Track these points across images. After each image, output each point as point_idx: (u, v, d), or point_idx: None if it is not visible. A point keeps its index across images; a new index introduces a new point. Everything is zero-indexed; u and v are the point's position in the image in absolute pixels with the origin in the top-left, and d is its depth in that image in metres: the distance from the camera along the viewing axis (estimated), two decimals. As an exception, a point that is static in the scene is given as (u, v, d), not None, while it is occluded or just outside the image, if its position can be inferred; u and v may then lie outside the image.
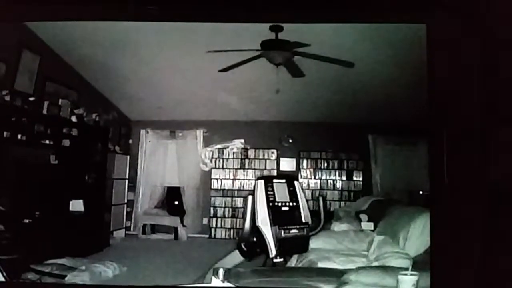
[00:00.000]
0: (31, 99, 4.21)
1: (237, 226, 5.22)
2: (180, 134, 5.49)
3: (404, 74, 3.83)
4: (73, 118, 4.69)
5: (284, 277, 3.31)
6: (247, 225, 3.81)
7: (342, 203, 5.21)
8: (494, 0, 2.54)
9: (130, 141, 5.54)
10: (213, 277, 2.96)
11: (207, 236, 5.32)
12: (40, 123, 4.31)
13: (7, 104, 3.92)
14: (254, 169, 5.34)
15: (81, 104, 4.77)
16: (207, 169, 5.42)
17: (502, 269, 2.41)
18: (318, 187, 5.25)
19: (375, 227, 4.32)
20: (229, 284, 2.94)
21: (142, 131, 5.51)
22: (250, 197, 3.83)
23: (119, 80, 4.84)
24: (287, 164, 5.34)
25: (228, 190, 5.35)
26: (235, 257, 3.77)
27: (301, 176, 5.25)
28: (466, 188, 2.47)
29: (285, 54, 4.07)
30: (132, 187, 5.44)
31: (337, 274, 3.17)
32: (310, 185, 5.25)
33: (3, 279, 3.10)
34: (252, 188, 3.92)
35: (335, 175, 5.27)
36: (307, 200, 4.01)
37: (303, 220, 3.87)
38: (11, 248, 3.60)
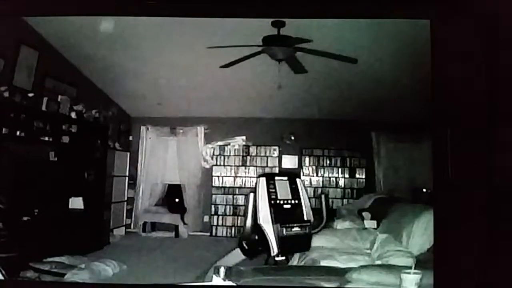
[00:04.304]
0: (30, 95, 4.19)
1: (238, 224, 5.21)
2: (181, 131, 5.47)
3: (408, 71, 3.80)
4: (73, 115, 4.67)
5: (286, 275, 3.28)
6: (249, 223, 3.79)
7: (345, 201, 5.19)
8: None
9: (130, 138, 5.52)
10: (214, 276, 2.95)
11: (208, 234, 5.31)
12: (39, 120, 4.28)
13: (6, 100, 3.90)
14: (256, 166, 5.32)
15: (81, 101, 4.75)
16: (208, 166, 5.40)
17: (505, 267, 2.39)
18: (321, 185, 5.23)
19: (378, 225, 4.30)
20: (230, 283, 2.92)
21: (142, 128, 5.49)
22: (251, 195, 3.80)
23: (119, 76, 4.81)
24: (289, 162, 5.31)
25: (229, 187, 5.34)
26: (236, 256, 3.75)
27: (303, 173, 5.23)
28: (469, 186, 2.46)
29: (287, 50, 4.04)
30: (132, 184, 5.43)
31: (340, 273, 3.16)
32: (313, 182, 5.23)
33: (2, 277, 3.08)
34: (254, 186, 3.88)
35: (338, 172, 5.24)
36: (309, 198, 3.97)
37: (305, 218, 3.84)
38: (10, 246, 3.59)
